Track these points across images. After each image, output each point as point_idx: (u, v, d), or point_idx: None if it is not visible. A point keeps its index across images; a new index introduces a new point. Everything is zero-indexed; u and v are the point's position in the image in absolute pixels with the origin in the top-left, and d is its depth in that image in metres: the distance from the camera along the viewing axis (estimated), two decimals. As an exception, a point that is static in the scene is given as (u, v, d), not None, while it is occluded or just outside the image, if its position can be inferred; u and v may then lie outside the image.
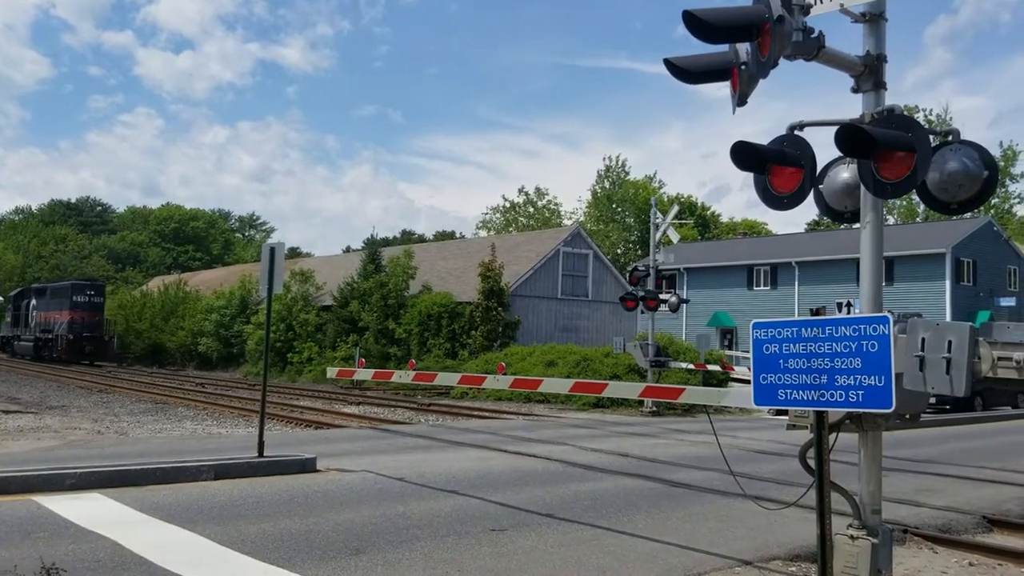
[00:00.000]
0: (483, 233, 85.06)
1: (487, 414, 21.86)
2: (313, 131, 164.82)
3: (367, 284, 38.53)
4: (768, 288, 49.80)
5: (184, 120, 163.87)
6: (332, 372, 11.96)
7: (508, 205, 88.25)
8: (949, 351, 4.70)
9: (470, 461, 12.31)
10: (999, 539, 8.26)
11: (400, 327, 36.58)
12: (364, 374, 10.90)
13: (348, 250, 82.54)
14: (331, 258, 60.38)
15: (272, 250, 11.25)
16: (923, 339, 4.82)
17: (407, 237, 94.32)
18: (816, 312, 5.00)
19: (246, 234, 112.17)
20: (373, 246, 44.57)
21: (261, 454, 10.67)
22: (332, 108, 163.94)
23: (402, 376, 9.92)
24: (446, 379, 9.62)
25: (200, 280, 61.48)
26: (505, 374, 28.29)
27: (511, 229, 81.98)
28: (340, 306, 39.80)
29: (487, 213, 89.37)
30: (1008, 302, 45.81)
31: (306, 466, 10.74)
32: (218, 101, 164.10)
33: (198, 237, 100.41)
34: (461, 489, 9.83)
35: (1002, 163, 72.57)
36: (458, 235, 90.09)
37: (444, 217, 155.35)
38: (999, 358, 4.87)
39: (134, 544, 6.67)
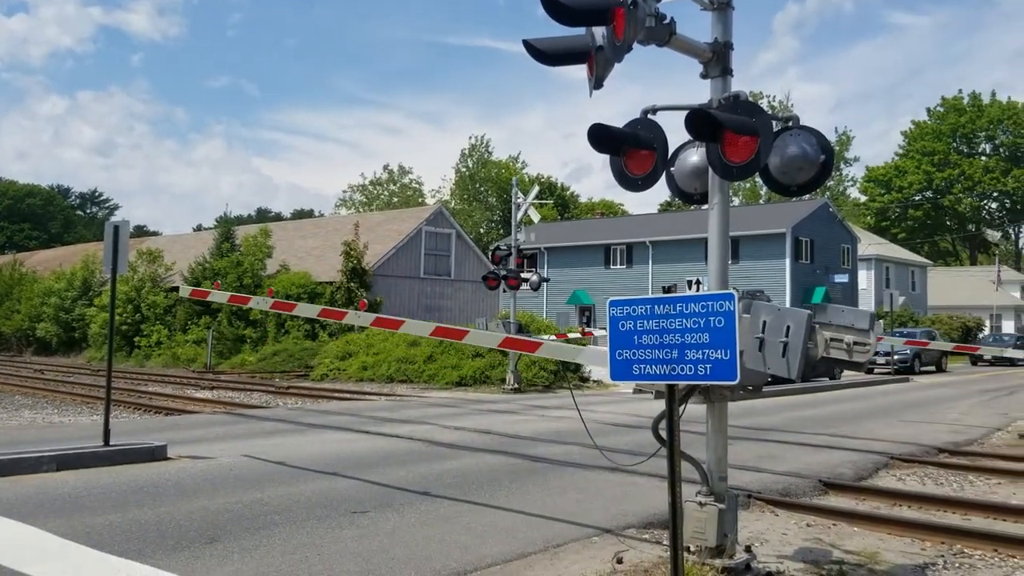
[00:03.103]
0: (343, 212, 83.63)
1: (348, 396, 21.59)
2: (161, 102, 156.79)
3: (221, 264, 37.21)
4: (624, 267, 51.33)
5: (18, 89, 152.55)
6: (186, 291, 11.24)
7: (369, 182, 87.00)
8: (787, 336, 4.98)
9: (330, 444, 12.15)
10: (833, 501, 8.86)
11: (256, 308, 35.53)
12: (219, 296, 10.29)
13: (200, 228, 79.34)
14: (181, 237, 57.90)
15: (116, 229, 10.67)
16: (764, 322, 5.09)
17: (263, 215, 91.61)
18: (668, 290, 5.20)
19: (88, 212, 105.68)
20: (227, 224, 43.11)
21: (107, 443, 10.15)
22: (182, 79, 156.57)
23: (260, 303, 9.48)
24: (305, 310, 9.28)
25: (37, 261, 57.79)
26: (369, 354, 28.04)
27: (372, 208, 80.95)
28: (191, 286, 38.28)
29: (347, 192, 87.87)
30: (841, 278, 49.08)
31: (156, 454, 10.31)
32: (56, 69, 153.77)
33: (35, 215, 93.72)
34: (321, 473, 9.69)
35: (837, 148, 77.45)
36: (317, 213, 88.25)
37: (303, 195, 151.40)
38: (832, 339, 5.20)
39: (-36, 543, 6.22)
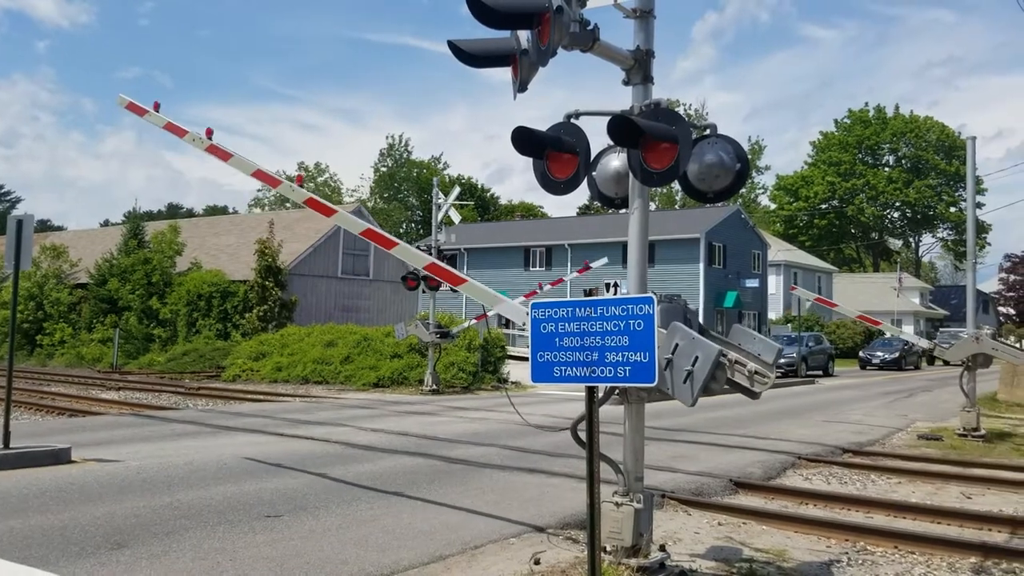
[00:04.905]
0: (257, 209, 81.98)
1: (262, 397, 21.16)
2: (68, 92, 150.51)
3: (128, 261, 36.06)
4: (543, 269, 51.65)
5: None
6: (123, 102, 9.34)
7: (286, 179, 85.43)
8: (693, 365, 5.07)
9: (243, 446, 11.88)
10: (744, 500, 9.10)
11: (166, 307, 34.53)
12: (156, 119, 8.77)
13: (107, 224, 76.78)
14: (88, 232, 55.89)
15: (20, 223, 10.27)
16: (677, 345, 5.17)
17: (175, 211, 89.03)
18: (589, 293, 5.26)
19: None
20: (135, 220, 41.82)
21: (7, 445, 9.73)
22: (91, 68, 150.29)
23: (196, 142, 8.84)
24: (240, 164, 8.72)
25: (-71, 254, 54.87)
26: (288, 341, 27.51)
27: (287, 205, 79.49)
28: (97, 284, 36.98)
29: (262, 188, 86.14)
30: (752, 283, 50.49)
31: (60, 457, 9.92)
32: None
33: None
34: (233, 476, 9.48)
35: (750, 156, 79.61)
36: (231, 210, 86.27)
37: (217, 191, 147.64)
38: (736, 361, 5.32)
39: None
